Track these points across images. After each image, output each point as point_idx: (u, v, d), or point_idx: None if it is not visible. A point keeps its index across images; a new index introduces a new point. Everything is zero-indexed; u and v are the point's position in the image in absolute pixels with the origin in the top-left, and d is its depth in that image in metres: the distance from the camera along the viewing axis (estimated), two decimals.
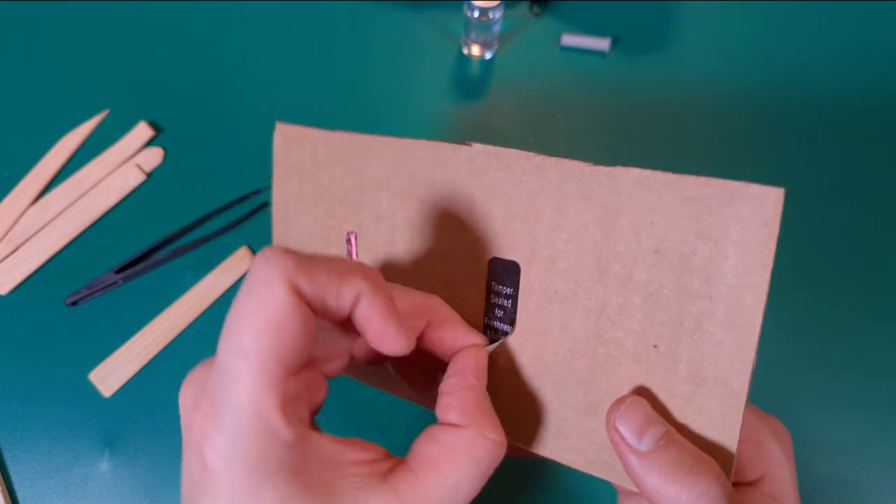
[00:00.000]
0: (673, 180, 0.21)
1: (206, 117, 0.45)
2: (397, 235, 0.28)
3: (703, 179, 0.21)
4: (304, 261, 0.19)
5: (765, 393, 0.40)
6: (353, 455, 0.21)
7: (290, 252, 0.19)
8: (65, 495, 0.38)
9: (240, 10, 0.47)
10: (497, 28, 0.43)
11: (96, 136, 0.44)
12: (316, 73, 0.46)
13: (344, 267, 0.20)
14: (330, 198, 0.29)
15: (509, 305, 0.25)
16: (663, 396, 0.22)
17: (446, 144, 0.27)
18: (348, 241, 0.29)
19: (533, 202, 0.25)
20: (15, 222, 0.42)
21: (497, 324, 0.26)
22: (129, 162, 0.44)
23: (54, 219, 0.43)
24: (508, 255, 0.25)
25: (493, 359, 0.25)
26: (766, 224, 0.20)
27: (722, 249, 0.21)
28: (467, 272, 0.26)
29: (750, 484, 0.25)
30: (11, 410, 0.40)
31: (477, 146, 0.26)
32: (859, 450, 0.39)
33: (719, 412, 0.21)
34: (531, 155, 0.25)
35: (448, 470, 0.21)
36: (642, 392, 0.23)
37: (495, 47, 0.46)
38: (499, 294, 0.26)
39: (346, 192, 0.29)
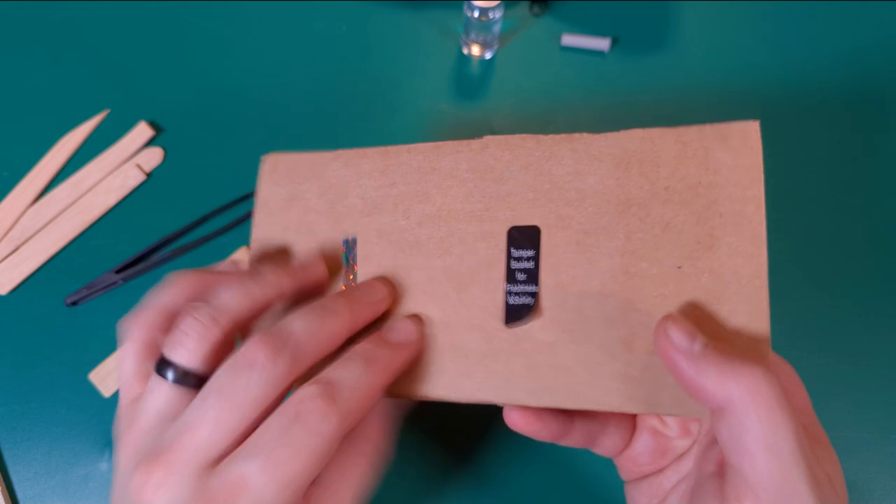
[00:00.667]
0: (670, 130, 0.26)
1: (205, 117, 0.45)
2: (408, 225, 0.29)
3: (694, 126, 0.25)
4: (346, 413, 0.23)
5: None
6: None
7: (340, 405, 0.23)
8: (65, 495, 0.38)
9: (240, 10, 0.47)
10: (497, 28, 0.43)
11: (96, 136, 0.44)
12: (316, 73, 0.46)
13: (370, 388, 0.24)
14: (318, 219, 0.31)
15: (532, 266, 0.27)
16: (693, 310, 0.24)
17: (444, 143, 0.29)
18: (347, 245, 0.30)
19: (545, 170, 0.27)
20: (15, 222, 0.42)
21: (518, 286, 0.27)
22: (129, 162, 0.44)
23: (54, 219, 0.43)
24: (526, 222, 0.27)
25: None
26: (752, 148, 0.25)
27: (721, 175, 0.25)
28: (487, 245, 0.28)
29: None
30: (11, 410, 0.40)
31: (491, 139, 0.29)
32: (858, 449, 0.39)
33: (746, 306, 0.23)
34: (537, 136, 0.28)
35: (355, 476, 0.25)
36: (677, 310, 0.24)
37: (495, 47, 0.46)
38: (519, 259, 0.27)
39: (336, 205, 0.31)
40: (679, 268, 0.25)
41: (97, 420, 0.39)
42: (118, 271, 0.41)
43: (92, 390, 0.40)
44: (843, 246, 0.42)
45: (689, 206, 0.25)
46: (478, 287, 0.27)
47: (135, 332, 0.26)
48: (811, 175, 0.43)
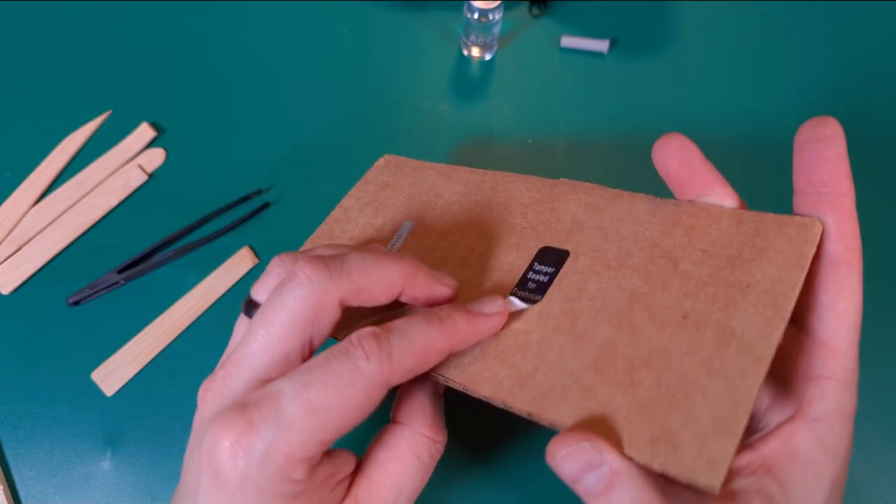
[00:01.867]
0: (735, 212, 0.26)
1: (207, 118, 0.45)
2: (460, 216, 0.33)
3: (757, 213, 0.25)
4: (393, 359, 0.22)
5: None
6: (340, 473, 0.24)
7: (386, 347, 0.22)
8: (67, 494, 0.39)
9: (241, 11, 0.47)
10: (497, 29, 0.43)
11: (98, 137, 0.45)
12: (316, 74, 0.46)
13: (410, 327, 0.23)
14: (397, 204, 0.35)
15: (546, 281, 0.27)
16: (682, 358, 0.22)
17: (537, 178, 0.33)
18: (398, 233, 0.33)
19: (599, 211, 0.29)
20: (17, 223, 0.43)
21: (525, 293, 0.28)
22: (131, 163, 0.44)
23: (56, 219, 0.43)
24: (561, 247, 0.29)
25: (508, 322, 0.27)
26: (807, 240, 0.24)
27: (765, 253, 0.24)
28: (516, 255, 0.29)
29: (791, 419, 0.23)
30: (13, 410, 0.40)
31: (565, 181, 0.31)
32: (857, 450, 0.39)
33: (738, 374, 0.21)
34: (605, 188, 0.30)
35: (394, 470, 0.24)
36: (665, 352, 0.23)
37: (495, 48, 0.46)
38: (538, 272, 0.28)
39: (415, 199, 0.35)
40: (684, 318, 0.24)
41: (99, 419, 0.39)
42: (120, 271, 0.41)
43: (94, 390, 0.40)
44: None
45: (720, 271, 0.24)
46: (493, 283, 0.29)
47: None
48: None
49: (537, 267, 0.28)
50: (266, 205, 0.43)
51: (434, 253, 0.31)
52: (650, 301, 0.25)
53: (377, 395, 0.22)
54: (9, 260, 0.42)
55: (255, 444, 0.20)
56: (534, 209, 0.31)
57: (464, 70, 0.46)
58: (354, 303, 0.24)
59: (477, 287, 0.29)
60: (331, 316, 0.23)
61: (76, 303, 0.41)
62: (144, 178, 0.44)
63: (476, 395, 0.25)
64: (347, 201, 0.37)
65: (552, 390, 0.23)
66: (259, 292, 0.25)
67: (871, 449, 0.39)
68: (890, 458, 0.40)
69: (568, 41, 0.46)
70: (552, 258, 0.28)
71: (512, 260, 0.29)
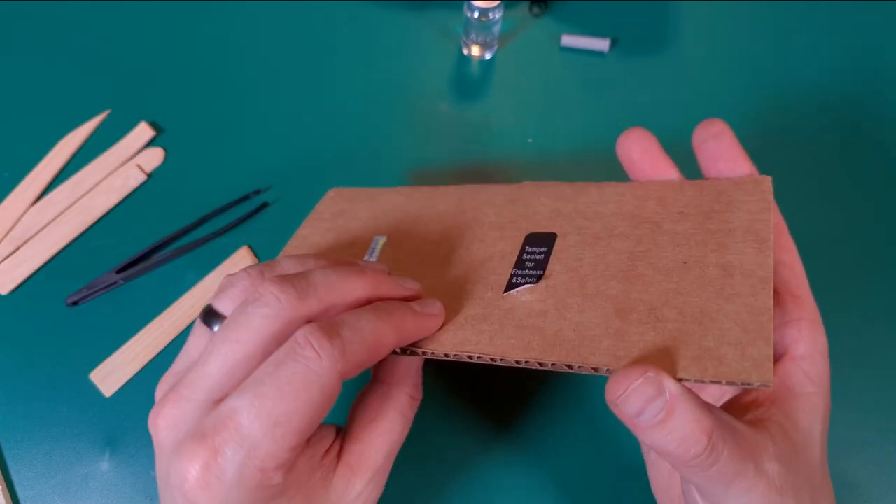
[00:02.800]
0: (695, 182, 0.29)
1: (206, 118, 0.45)
2: (434, 226, 0.33)
3: (712, 179, 0.29)
4: (346, 353, 0.22)
5: None
6: (319, 449, 0.24)
7: (337, 343, 0.22)
8: (65, 495, 0.38)
9: (241, 11, 0.47)
10: (497, 28, 0.43)
11: (97, 137, 0.45)
12: (316, 74, 0.46)
13: (373, 332, 0.23)
14: (359, 225, 0.35)
15: (542, 258, 0.29)
16: (697, 292, 0.25)
17: (500, 185, 0.34)
18: (372, 244, 0.33)
19: (571, 200, 0.31)
20: (16, 222, 0.43)
21: (525, 271, 0.29)
22: (130, 162, 0.44)
23: (55, 219, 0.43)
24: (545, 231, 0.30)
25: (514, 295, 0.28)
26: (764, 190, 0.28)
27: (733, 206, 0.28)
28: (504, 244, 0.31)
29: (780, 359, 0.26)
30: (12, 410, 0.40)
31: (529, 182, 0.33)
32: (859, 450, 0.39)
33: (750, 293, 0.24)
34: (571, 182, 0.32)
35: (383, 429, 0.25)
36: (678, 291, 0.25)
37: (495, 48, 0.46)
38: (532, 253, 0.29)
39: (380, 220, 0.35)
40: (685, 263, 0.26)
41: (98, 420, 0.39)
42: (119, 271, 0.41)
43: (93, 390, 0.40)
44: (840, 246, 0.42)
45: (701, 224, 0.27)
46: (486, 271, 0.30)
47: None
48: (809, 172, 0.43)
49: (529, 249, 0.30)
50: (265, 205, 0.43)
51: (416, 256, 0.31)
52: (648, 256, 0.27)
53: (335, 390, 0.22)
54: (7, 260, 0.42)
55: (225, 469, 0.20)
56: (508, 207, 0.32)
57: (464, 69, 0.46)
58: (321, 319, 0.23)
59: (471, 280, 0.29)
60: None
61: (75, 303, 0.41)
62: (143, 177, 0.43)
63: (508, 364, 0.25)
64: (304, 230, 0.35)
65: (583, 342, 0.24)
66: (222, 303, 0.24)
67: (871, 449, 0.39)
68: (890, 458, 0.40)
69: (568, 40, 0.46)
70: (541, 241, 0.30)
71: (502, 248, 0.30)
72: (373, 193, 0.37)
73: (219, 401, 0.22)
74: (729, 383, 0.21)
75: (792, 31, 0.46)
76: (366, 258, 0.32)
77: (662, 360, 0.23)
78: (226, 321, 0.23)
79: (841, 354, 0.41)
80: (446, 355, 0.26)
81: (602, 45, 0.45)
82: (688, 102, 0.45)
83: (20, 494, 0.38)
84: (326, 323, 0.22)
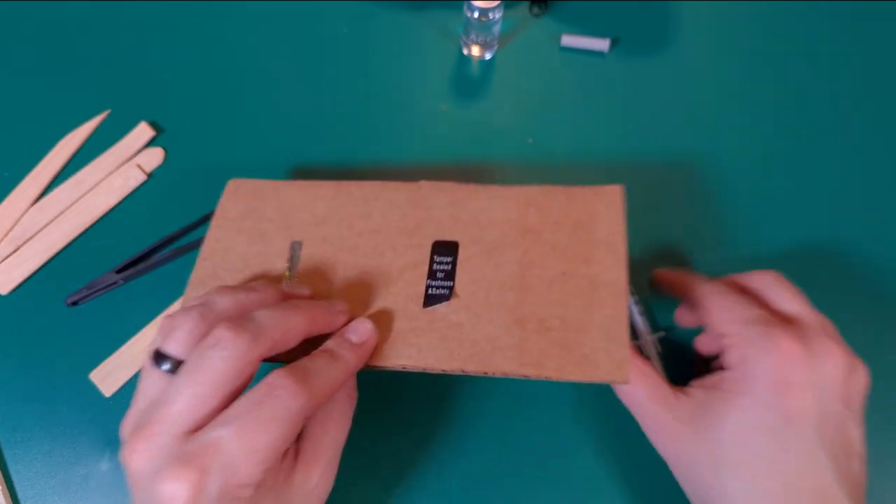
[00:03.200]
0: (562, 188, 0.35)
1: (206, 117, 0.45)
2: (345, 232, 0.36)
3: (578, 186, 0.35)
4: (314, 395, 0.27)
5: None
6: (279, 465, 0.27)
7: (305, 386, 0.26)
8: (65, 495, 0.39)
9: (240, 11, 0.47)
10: (497, 29, 0.43)
11: (97, 137, 0.45)
12: (316, 74, 0.46)
13: (331, 375, 0.28)
14: (270, 226, 0.37)
15: (449, 268, 0.34)
16: (573, 303, 0.32)
17: (388, 182, 0.37)
18: (291, 252, 0.36)
19: (465, 205, 0.36)
20: (16, 222, 0.43)
21: (438, 282, 0.34)
22: (130, 162, 0.44)
23: (55, 219, 0.43)
24: (448, 239, 0.35)
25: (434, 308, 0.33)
26: (616, 203, 0.34)
27: (596, 217, 0.34)
28: (415, 252, 0.35)
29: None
30: (12, 410, 0.40)
31: (425, 182, 0.37)
32: None
33: (611, 305, 0.32)
34: (461, 183, 0.36)
35: (331, 427, 0.29)
36: (559, 302, 0.32)
37: (495, 48, 0.46)
38: (440, 263, 0.34)
39: (289, 222, 0.37)
40: (563, 273, 0.33)
41: (98, 420, 0.39)
42: (119, 271, 0.41)
43: (93, 390, 0.40)
44: (838, 246, 0.42)
45: (573, 235, 0.34)
46: (404, 282, 0.34)
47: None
48: (810, 176, 0.44)
49: (437, 259, 0.35)
50: None
51: (336, 269, 0.35)
52: (534, 266, 0.33)
53: (303, 422, 0.27)
54: (7, 260, 0.42)
55: (209, 488, 0.24)
56: (410, 211, 0.36)
57: (464, 69, 0.46)
58: (270, 354, 0.28)
59: (393, 292, 0.34)
60: (252, 370, 0.27)
61: (75, 303, 0.41)
62: (143, 177, 0.43)
63: (435, 372, 0.32)
64: (215, 232, 0.37)
65: (495, 351, 0.31)
66: (170, 346, 0.27)
67: (871, 449, 0.39)
68: (889, 458, 0.40)
69: (568, 40, 0.46)
70: (446, 249, 0.35)
71: (413, 257, 0.35)
72: (274, 187, 0.38)
73: (190, 432, 0.25)
74: (602, 382, 0.30)
75: (792, 30, 0.47)
76: (289, 270, 0.35)
77: (555, 365, 0.30)
78: (187, 364, 0.26)
79: None
80: (384, 367, 0.32)
81: (602, 45, 0.45)
82: (687, 102, 0.45)
83: (20, 494, 0.39)
84: (297, 370, 0.27)
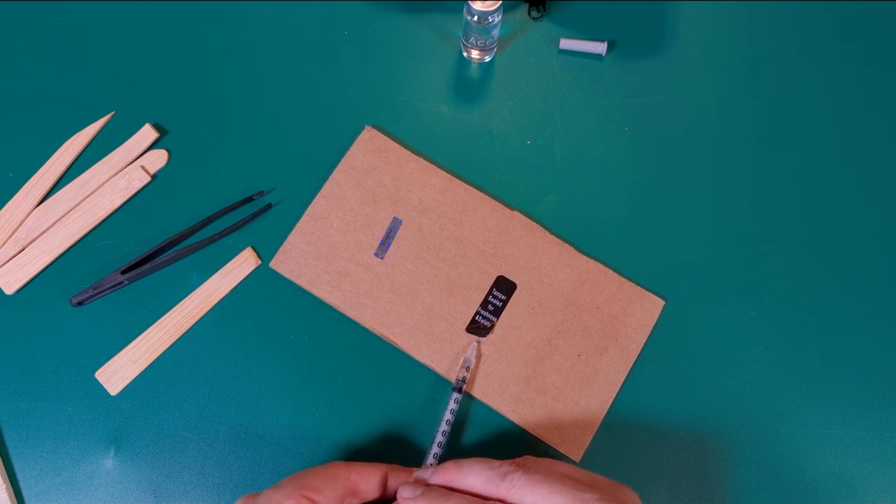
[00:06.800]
0: (617, 277, 0.41)
1: (210, 119, 0.45)
2: (437, 230, 0.42)
3: (631, 283, 0.41)
4: None
5: (761, 392, 0.40)
6: None
7: None
8: (70, 492, 0.39)
9: (243, 14, 0.48)
10: (496, 32, 0.44)
11: (101, 138, 0.45)
12: (317, 76, 0.46)
13: None
14: (384, 193, 0.42)
15: (501, 306, 0.41)
16: (572, 381, 0.40)
17: (496, 203, 0.43)
18: (391, 227, 0.42)
19: (539, 254, 0.42)
20: (21, 223, 0.43)
21: (487, 313, 0.41)
22: (135, 164, 0.44)
23: (60, 219, 0.43)
24: (512, 278, 0.41)
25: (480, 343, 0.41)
26: (652, 314, 0.41)
27: (629, 317, 0.41)
28: (480, 277, 0.41)
29: None
30: (18, 409, 0.40)
31: (518, 215, 0.42)
32: (853, 447, 0.40)
33: (597, 405, 0.39)
34: (546, 234, 0.42)
35: None
36: (563, 377, 0.40)
37: (494, 51, 0.46)
38: (495, 297, 0.41)
39: (398, 194, 0.43)
40: (579, 356, 0.40)
41: (103, 418, 0.40)
42: (124, 272, 0.41)
43: (98, 389, 0.40)
44: (834, 247, 0.43)
45: (604, 325, 0.40)
46: (461, 298, 0.41)
47: None
48: (810, 176, 0.44)
49: (495, 292, 0.41)
50: (269, 206, 0.43)
51: (417, 260, 0.41)
52: (561, 338, 0.40)
53: None
54: (13, 260, 0.42)
55: None
56: (494, 236, 0.42)
57: (463, 72, 0.46)
58: None
59: (450, 302, 0.41)
60: None
61: (80, 303, 0.41)
62: (147, 179, 0.44)
63: (449, 379, 0.40)
64: (339, 176, 0.43)
65: (499, 393, 0.39)
66: None
67: (870, 449, 0.40)
68: (884, 456, 0.40)
69: (566, 43, 0.46)
70: (505, 287, 0.41)
71: (478, 280, 0.41)
72: (398, 154, 0.43)
73: None
74: (565, 453, 0.38)
75: (791, 32, 0.47)
76: (382, 240, 0.41)
77: (534, 423, 0.39)
78: None
79: (834, 353, 0.41)
80: (406, 351, 0.40)
81: (600, 48, 0.46)
82: (684, 105, 0.46)
83: (25, 492, 0.39)
84: None
